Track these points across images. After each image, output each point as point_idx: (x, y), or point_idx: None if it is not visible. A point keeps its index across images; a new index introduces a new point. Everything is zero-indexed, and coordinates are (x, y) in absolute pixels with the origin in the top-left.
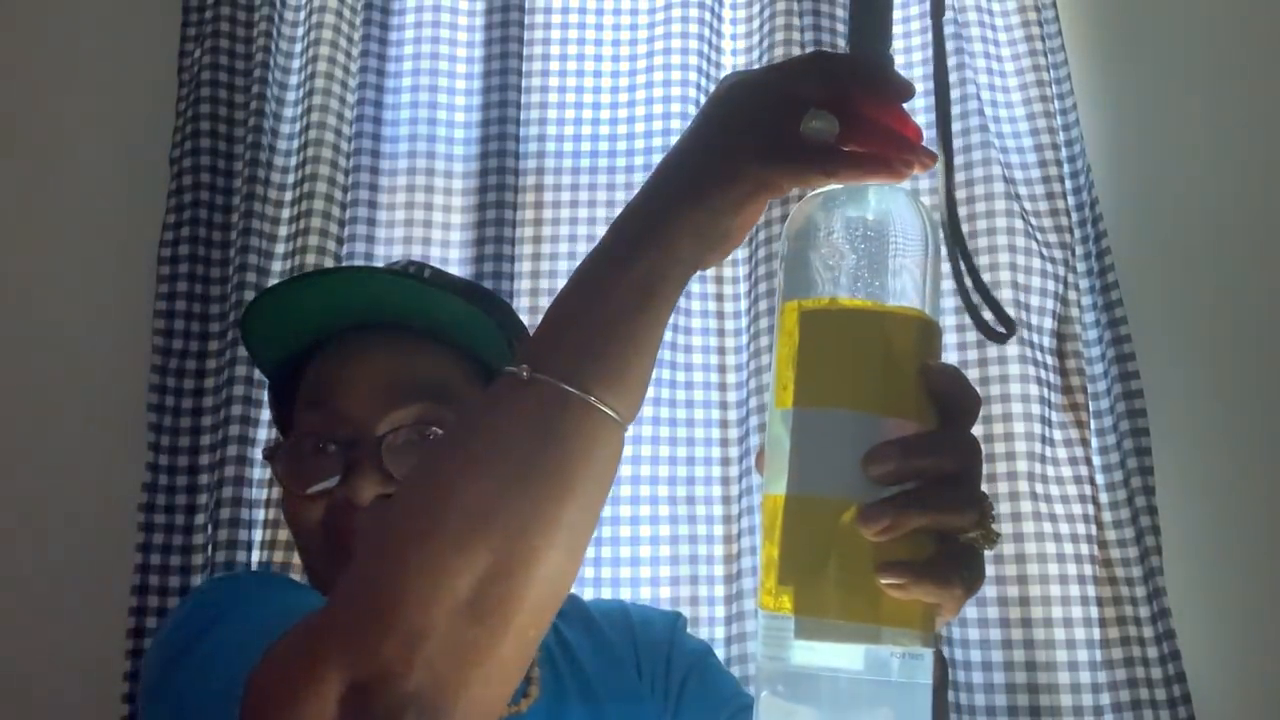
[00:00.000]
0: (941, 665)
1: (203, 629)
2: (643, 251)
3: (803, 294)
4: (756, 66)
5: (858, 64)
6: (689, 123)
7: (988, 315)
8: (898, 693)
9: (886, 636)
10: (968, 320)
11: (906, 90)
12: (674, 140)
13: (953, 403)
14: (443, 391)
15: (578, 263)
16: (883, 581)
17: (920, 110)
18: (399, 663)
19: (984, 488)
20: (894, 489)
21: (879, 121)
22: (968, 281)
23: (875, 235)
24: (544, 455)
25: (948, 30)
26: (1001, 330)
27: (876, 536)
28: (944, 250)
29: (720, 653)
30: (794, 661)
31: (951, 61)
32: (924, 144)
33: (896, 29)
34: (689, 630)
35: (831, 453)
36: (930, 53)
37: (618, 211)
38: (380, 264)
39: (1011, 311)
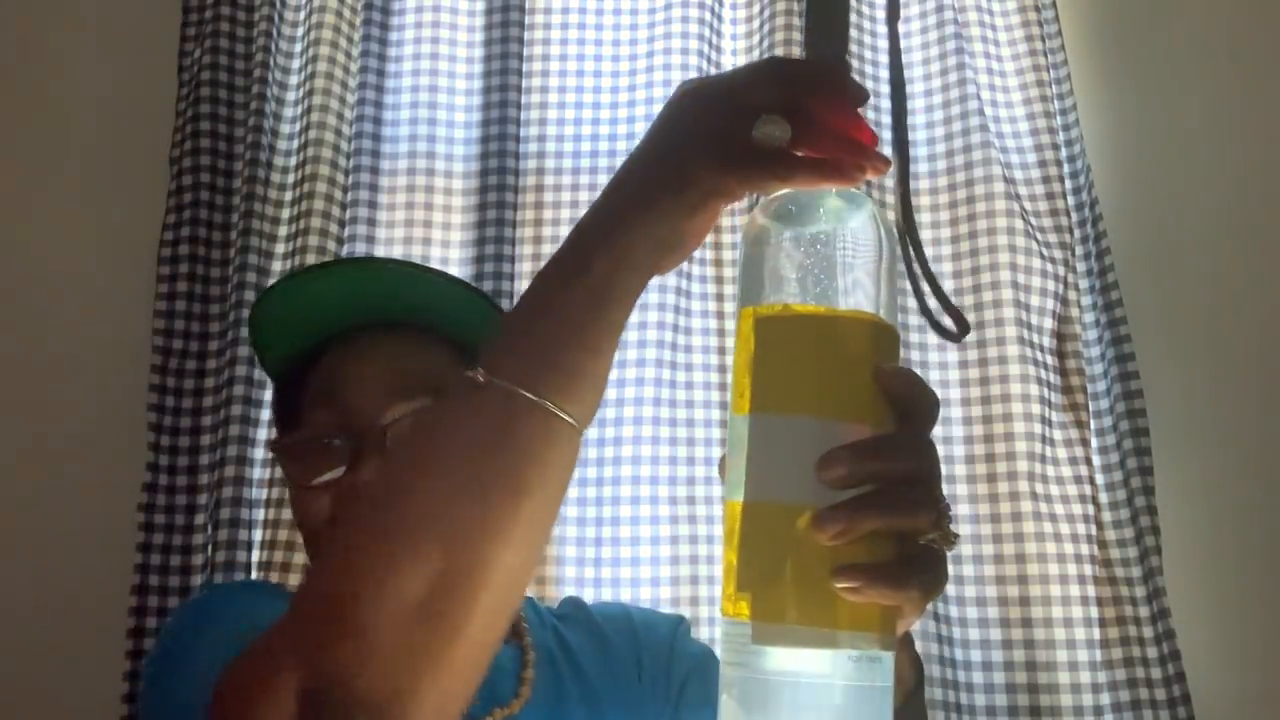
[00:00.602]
0: (916, 667)
1: (184, 641)
2: (597, 258)
3: (756, 300)
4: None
5: (812, 69)
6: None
7: (935, 311)
8: (855, 696)
9: (843, 640)
10: (971, 320)
11: (860, 95)
12: None
13: (909, 405)
14: (439, 385)
15: None
16: (837, 585)
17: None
18: (349, 665)
19: (983, 488)
20: (849, 493)
21: (832, 126)
22: (924, 285)
23: (826, 240)
24: (497, 459)
25: (948, 31)
26: (954, 330)
27: (831, 540)
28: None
29: (720, 653)
30: (752, 666)
31: (951, 61)
32: (878, 148)
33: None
34: (690, 632)
35: (787, 458)
36: (921, 55)
37: None
38: None
39: (1011, 312)
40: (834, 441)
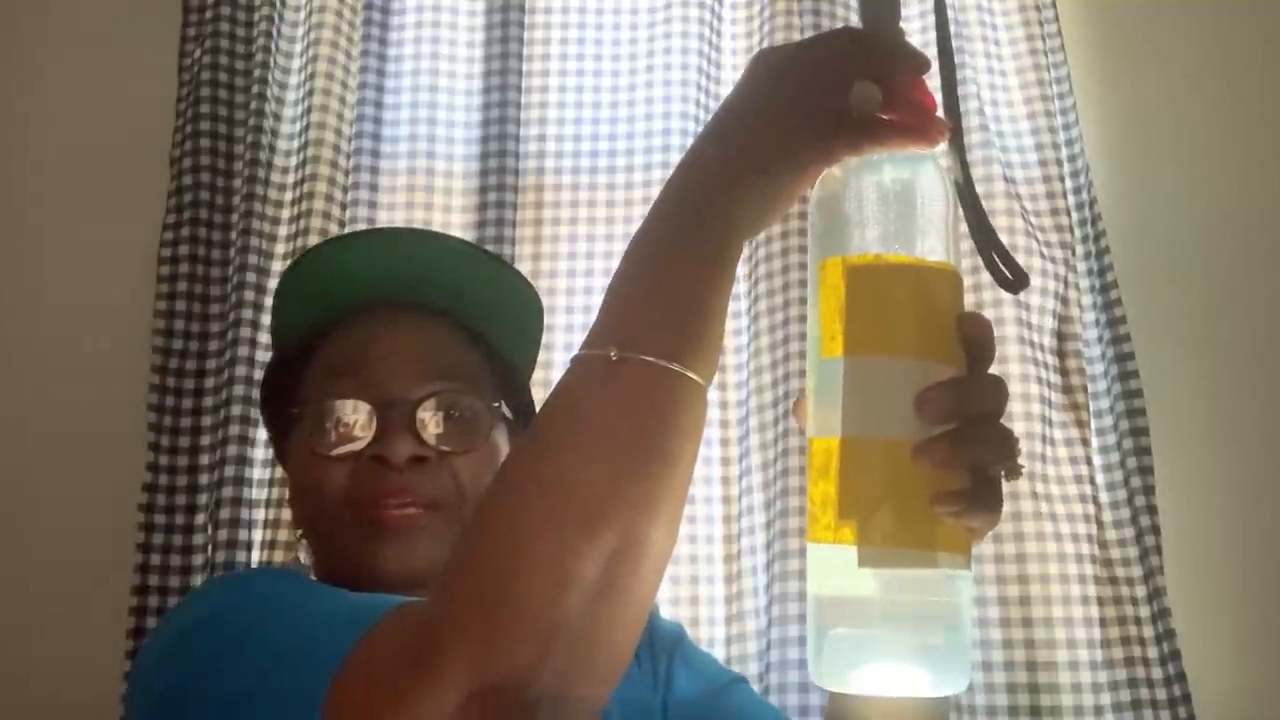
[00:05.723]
0: None
1: (242, 630)
2: (709, 224)
3: (842, 250)
4: (787, 43)
5: (889, 40)
6: (730, 97)
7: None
8: (950, 611)
9: (942, 561)
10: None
11: (926, 63)
12: (673, 139)
13: (982, 349)
14: (466, 375)
15: (577, 263)
16: (940, 509)
17: None
18: (535, 660)
19: None
20: (941, 428)
21: (909, 92)
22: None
23: (907, 194)
24: (651, 434)
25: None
26: (1012, 280)
27: (934, 469)
28: (960, 209)
29: (720, 652)
30: (857, 589)
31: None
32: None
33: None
34: (686, 628)
35: (887, 396)
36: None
37: (618, 211)
38: None
39: (1011, 311)
40: (927, 381)
